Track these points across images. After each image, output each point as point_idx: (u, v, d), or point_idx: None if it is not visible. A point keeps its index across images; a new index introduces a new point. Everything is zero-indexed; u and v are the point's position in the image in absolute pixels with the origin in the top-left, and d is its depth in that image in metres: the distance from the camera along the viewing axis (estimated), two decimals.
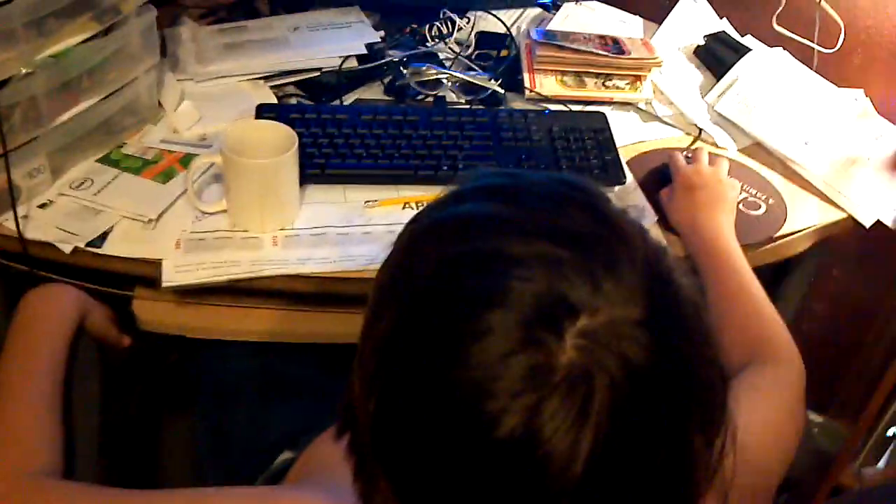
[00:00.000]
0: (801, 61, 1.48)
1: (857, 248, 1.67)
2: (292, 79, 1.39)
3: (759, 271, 1.09)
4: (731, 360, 0.95)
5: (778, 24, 1.48)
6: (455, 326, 0.54)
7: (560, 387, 0.51)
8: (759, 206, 1.26)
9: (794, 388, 0.94)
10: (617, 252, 0.55)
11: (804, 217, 1.26)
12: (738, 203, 1.21)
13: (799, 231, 1.24)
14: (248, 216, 1.11)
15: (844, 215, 1.28)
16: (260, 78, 1.38)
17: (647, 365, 0.52)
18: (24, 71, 1.03)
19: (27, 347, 0.91)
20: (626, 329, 0.52)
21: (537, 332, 0.52)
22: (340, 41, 1.45)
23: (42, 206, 1.12)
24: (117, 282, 1.10)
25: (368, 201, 1.19)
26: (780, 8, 1.46)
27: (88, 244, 1.08)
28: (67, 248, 1.07)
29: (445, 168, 1.22)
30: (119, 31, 1.14)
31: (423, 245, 0.60)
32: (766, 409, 0.88)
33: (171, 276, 1.05)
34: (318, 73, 1.40)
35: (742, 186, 1.25)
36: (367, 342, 0.61)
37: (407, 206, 1.19)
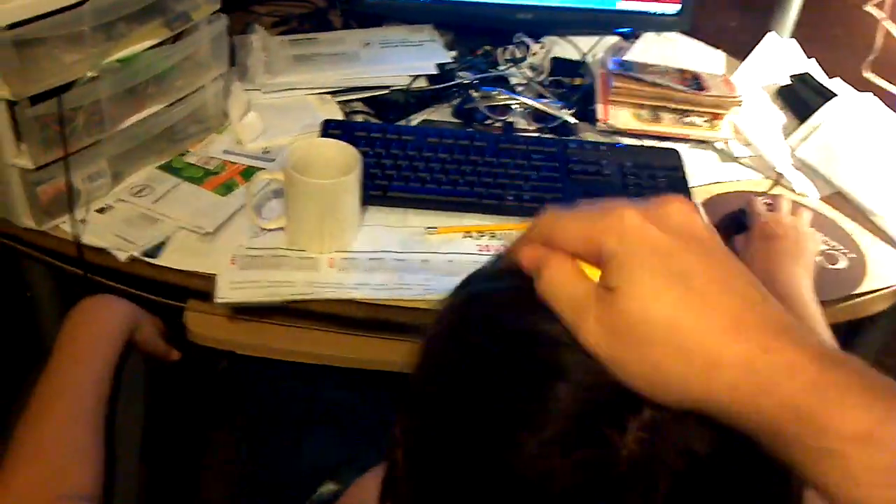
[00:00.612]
0: (890, 109, 1.41)
1: None
2: (360, 95, 1.37)
3: (835, 325, 1.04)
4: None
5: (869, 70, 1.42)
6: (508, 413, 0.50)
7: (620, 482, 0.47)
8: (839, 261, 1.19)
9: None
10: None
11: (886, 274, 1.19)
12: (817, 256, 1.15)
13: (879, 290, 1.17)
14: (307, 236, 1.09)
15: None
16: (328, 92, 1.36)
17: (711, 457, 0.48)
18: (89, 75, 1.02)
19: (74, 360, 0.90)
20: (690, 420, 0.48)
21: (598, 425, 0.48)
22: (411, 59, 1.42)
23: (100, 210, 1.11)
24: (171, 292, 1.08)
25: (429, 227, 1.15)
26: (874, 55, 1.40)
27: (144, 253, 1.06)
28: (123, 256, 1.05)
29: (511, 198, 1.18)
30: (189, 38, 1.13)
31: (477, 313, 0.55)
32: None
33: (225, 293, 1.03)
34: (387, 91, 1.37)
35: (822, 238, 1.19)
36: (412, 409, 0.57)
37: (468, 235, 1.15)
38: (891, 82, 1.43)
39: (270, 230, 1.11)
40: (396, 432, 0.58)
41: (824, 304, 1.09)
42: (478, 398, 0.51)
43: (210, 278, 1.05)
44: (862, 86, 1.45)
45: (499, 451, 0.49)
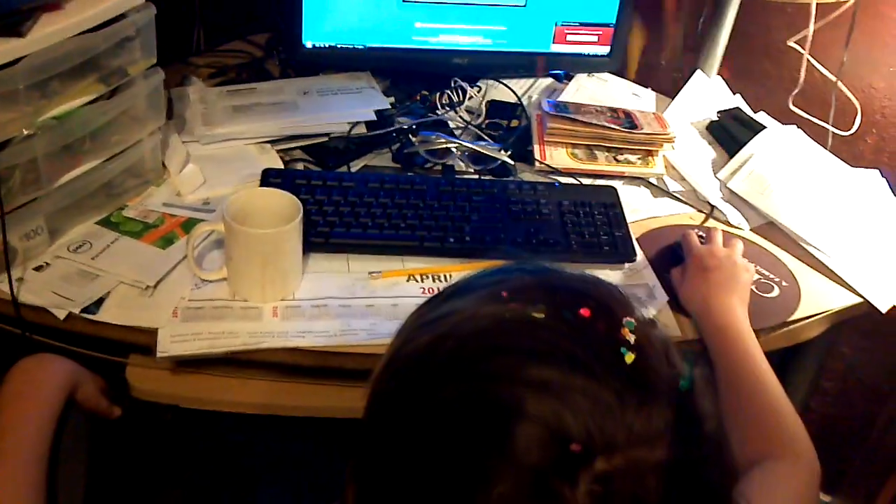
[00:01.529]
0: (815, 141, 1.46)
1: (867, 325, 1.64)
2: (300, 143, 1.38)
3: (770, 351, 1.06)
4: (745, 455, 0.91)
5: (794, 103, 1.46)
6: (457, 472, 0.50)
7: None
8: (773, 289, 1.23)
9: (810, 486, 0.90)
10: (648, 385, 0.52)
11: (819, 300, 1.23)
12: (752, 285, 1.18)
13: (813, 315, 1.21)
14: (249, 286, 1.09)
15: (860, 300, 1.25)
16: (267, 141, 1.36)
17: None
18: (25, 132, 1.01)
19: (13, 422, 0.88)
20: (645, 473, 0.49)
21: (549, 480, 0.48)
22: (350, 106, 1.43)
23: (38, 268, 1.10)
24: (112, 348, 1.07)
25: (373, 272, 1.16)
26: (797, 88, 1.45)
27: (83, 310, 1.05)
28: (62, 314, 1.04)
29: (452, 240, 1.20)
30: (125, 93, 1.13)
31: (429, 360, 0.55)
32: None
33: (167, 346, 1.02)
34: (326, 139, 1.38)
35: (756, 268, 1.22)
36: (363, 454, 0.57)
37: (412, 278, 1.16)
38: (814, 115, 1.48)
39: (212, 281, 1.10)
40: (348, 474, 0.58)
41: (760, 331, 1.12)
42: (433, 443, 0.52)
43: (151, 332, 1.04)
44: (787, 118, 1.49)
45: (453, 500, 0.49)
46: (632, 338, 0.53)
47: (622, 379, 0.51)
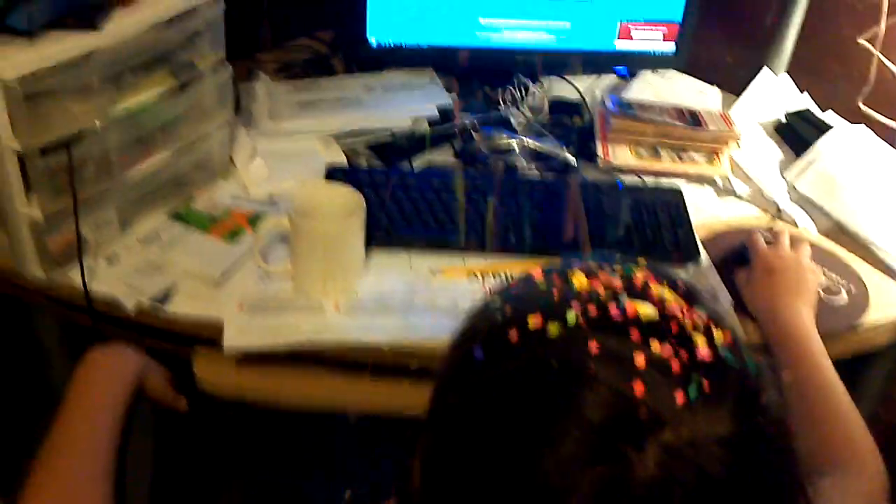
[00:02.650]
0: (885, 141, 1.43)
1: None
2: (363, 138, 1.38)
3: (839, 358, 1.04)
4: (812, 465, 0.89)
5: (864, 103, 1.43)
6: (529, 428, 0.52)
7: (635, 501, 0.49)
8: (841, 294, 1.20)
9: (877, 499, 0.88)
10: (717, 364, 0.53)
11: (888, 306, 1.20)
12: (819, 289, 1.15)
13: (882, 321, 1.18)
14: (311, 280, 1.10)
15: None
16: (332, 136, 1.37)
17: (725, 481, 0.50)
18: (98, 125, 1.03)
19: (84, 411, 0.90)
20: (709, 446, 0.50)
21: (618, 443, 0.49)
22: (413, 103, 1.44)
23: (109, 259, 1.12)
24: (180, 340, 1.09)
25: (434, 269, 1.16)
26: (868, 87, 1.41)
27: (152, 301, 1.07)
28: (130, 304, 1.06)
29: (513, 238, 1.20)
30: (194, 87, 1.15)
31: (501, 331, 0.57)
32: None
33: (233, 339, 1.04)
34: (389, 134, 1.39)
35: (823, 271, 1.20)
36: (432, 432, 0.58)
37: (473, 276, 1.16)
38: (885, 115, 1.44)
39: (277, 275, 1.12)
40: (414, 462, 0.59)
41: (827, 336, 1.09)
42: (503, 405, 0.53)
43: (218, 325, 1.05)
44: (856, 118, 1.46)
45: (520, 463, 0.51)
46: (701, 322, 0.55)
47: (692, 356, 0.53)
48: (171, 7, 1.08)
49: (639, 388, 0.51)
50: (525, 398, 0.53)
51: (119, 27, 1.02)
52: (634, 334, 0.54)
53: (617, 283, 0.59)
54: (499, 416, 0.54)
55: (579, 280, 0.59)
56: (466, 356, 0.59)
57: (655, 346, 0.53)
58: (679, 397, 0.51)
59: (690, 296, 0.59)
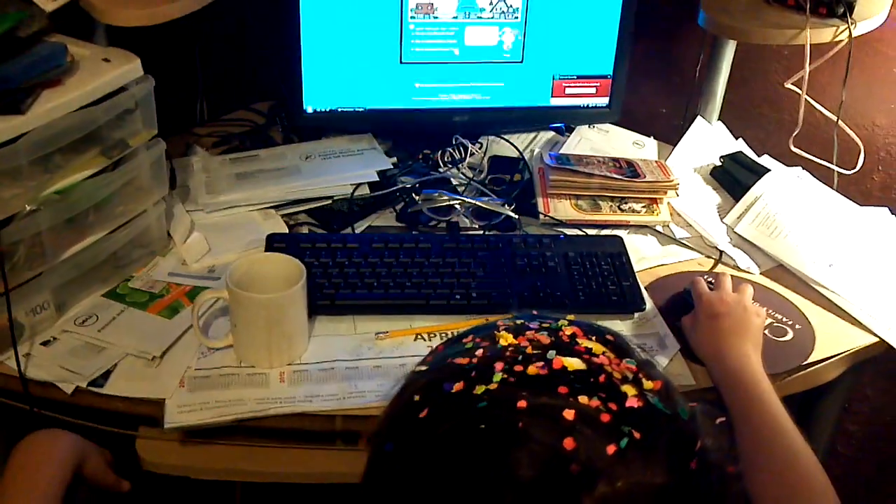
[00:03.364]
0: (820, 181, 1.45)
1: (890, 367, 1.61)
2: (304, 207, 1.38)
3: (789, 396, 1.04)
4: (765, 501, 0.89)
5: (795, 145, 1.46)
6: (462, 492, 0.51)
7: None
8: (786, 333, 1.21)
9: None
10: (648, 413, 0.53)
11: (834, 342, 1.21)
12: (765, 330, 1.16)
13: (829, 358, 1.19)
14: (255, 351, 1.08)
15: (876, 339, 1.23)
16: (271, 207, 1.37)
17: None
18: (28, 208, 1.02)
19: (19, 497, 0.87)
20: (647, 497, 0.50)
21: (551, 502, 0.49)
22: (352, 168, 1.44)
23: (45, 343, 1.10)
24: (121, 421, 1.06)
25: (379, 333, 1.15)
26: (798, 129, 1.45)
27: (90, 384, 1.05)
28: (69, 389, 1.04)
29: (459, 297, 1.19)
30: (127, 165, 1.14)
31: (439, 388, 0.57)
32: None
33: (174, 417, 1.01)
34: (329, 201, 1.39)
35: (767, 312, 1.21)
36: (368, 484, 0.57)
37: (419, 337, 1.15)
38: (816, 155, 1.47)
39: (219, 349, 1.10)
40: None
41: (776, 376, 1.10)
42: (435, 474, 0.52)
43: (159, 403, 1.03)
44: (790, 160, 1.49)
45: None
46: (630, 373, 0.56)
47: (621, 407, 0.53)
48: (98, 87, 1.08)
49: (569, 443, 0.50)
50: (457, 463, 0.52)
51: (45, 110, 1.02)
52: (562, 389, 0.53)
53: (544, 339, 0.58)
54: (432, 487, 0.53)
55: (505, 339, 0.58)
56: (397, 430, 0.58)
57: (584, 399, 0.53)
58: (610, 449, 0.50)
59: (619, 349, 0.59)
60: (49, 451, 0.92)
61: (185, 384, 1.05)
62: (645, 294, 1.24)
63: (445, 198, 1.37)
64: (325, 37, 1.42)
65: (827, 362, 1.19)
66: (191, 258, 1.24)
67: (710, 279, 1.24)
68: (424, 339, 1.15)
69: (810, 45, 1.37)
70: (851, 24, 1.36)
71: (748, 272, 1.33)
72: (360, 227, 1.37)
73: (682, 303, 1.22)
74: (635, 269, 1.27)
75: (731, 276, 1.24)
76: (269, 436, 1.06)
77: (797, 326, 1.22)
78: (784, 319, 1.23)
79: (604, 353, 0.57)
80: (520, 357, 0.56)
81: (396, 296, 1.19)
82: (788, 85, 1.45)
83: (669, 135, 1.61)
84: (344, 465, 1.06)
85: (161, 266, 1.24)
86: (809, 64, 1.39)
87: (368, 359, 1.11)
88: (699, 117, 1.59)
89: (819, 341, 1.20)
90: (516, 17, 1.45)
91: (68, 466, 0.92)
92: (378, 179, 1.42)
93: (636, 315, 1.22)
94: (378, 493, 0.57)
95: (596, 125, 1.61)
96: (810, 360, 1.18)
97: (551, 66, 1.51)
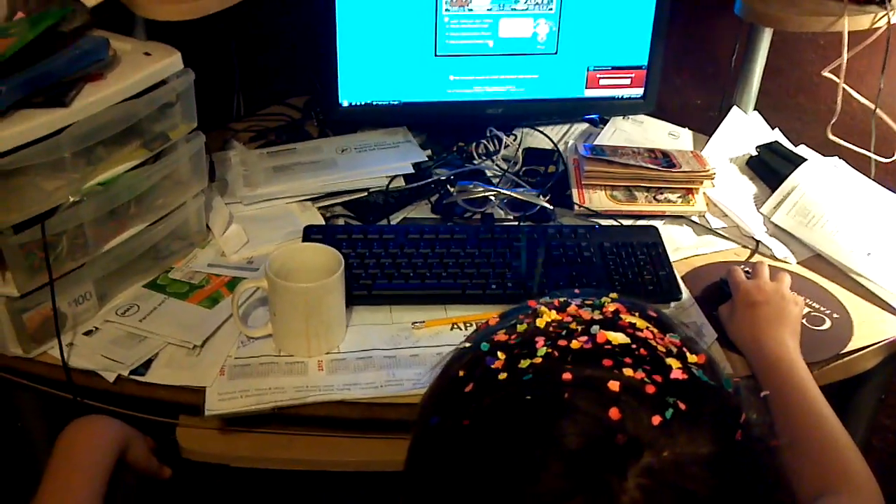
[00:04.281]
0: (857, 170, 1.44)
1: None
2: (340, 199, 1.39)
3: (827, 386, 1.04)
4: (804, 490, 0.88)
5: (833, 133, 1.45)
6: (510, 466, 0.51)
7: None
8: (824, 322, 1.20)
9: None
10: (685, 384, 0.53)
11: (872, 331, 1.20)
12: (802, 319, 1.15)
13: (867, 347, 1.18)
14: (294, 340, 1.09)
15: None
16: (308, 199, 1.38)
17: (710, 499, 0.50)
18: (72, 199, 1.04)
19: (64, 483, 0.89)
20: (692, 467, 0.50)
21: (598, 471, 0.49)
22: (388, 161, 1.45)
23: (87, 333, 1.12)
24: (162, 409, 1.08)
25: (416, 322, 1.16)
26: (835, 118, 1.43)
27: (132, 372, 1.06)
28: (111, 377, 1.06)
29: (494, 287, 1.19)
30: (168, 158, 1.15)
31: (482, 363, 0.57)
32: None
33: (214, 405, 1.03)
34: (365, 194, 1.40)
35: (805, 301, 1.20)
36: (413, 483, 0.57)
37: (455, 326, 1.16)
38: (854, 143, 1.46)
39: (258, 338, 1.11)
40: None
41: (814, 365, 1.09)
42: (482, 447, 0.53)
43: (199, 391, 1.04)
44: (828, 149, 1.48)
45: (502, 498, 0.50)
46: (674, 347, 0.56)
47: (666, 379, 0.53)
48: (140, 81, 1.09)
49: (615, 413, 0.51)
50: (502, 434, 0.53)
51: (88, 103, 1.03)
52: (607, 362, 0.54)
53: (587, 314, 0.59)
54: (478, 459, 0.53)
55: (548, 315, 0.59)
56: (442, 405, 0.58)
57: (629, 371, 0.53)
58: (656, 419, 0.51)
59: (662, 324, 0.59)
60: (94, 437, 0.94)
61: (225, 372, 1.07)
62: (681, 283, 1.23)
63: (481, 189, 1.37)
64: (361, 31, 1.43)
65: (864, 351, 1.18)
66: (229, 250, 1.26)
67: (747, 269, 1.24)
68: (461, 329, 1.16)
69: (848, 32, 1.36)
70: (890, 10, 1.35)
71: (785, 262, 1.32)
72: (395, 218, 1.38)
73: (718, 292, 1.21)
74: (672, 258, 1.27)
75: (769, 265, 1.23)
76: (308, 424, 1.07)
77: (835, 315, 1.21)
78: (822, 308, 1.22)
79: (647, 328, 0.57)
80: (563, 332, 0.57)
81: (433, 286, 1.19)
82: (826, 73, 1.44)
83: (704, 126, 1.60)
84: (383, 454, 1.07)
85: (200, 258, 1.25)
86: (847, 52, 1.38)
87: (405, 348, 1.12)
88: (735, 107, 1.58)
89: (857, 330, 1.20)
90: (551, 9, 1.45)
91: (113, 452, 0.93)
92: (413, 172, 1.43)
93: (672, 304, 1.21)
94: (423, 469, 0.57)
95: (630, 116, 1.61)
96: (848, 349, 1.17)
97: (586, 57, 1.51)
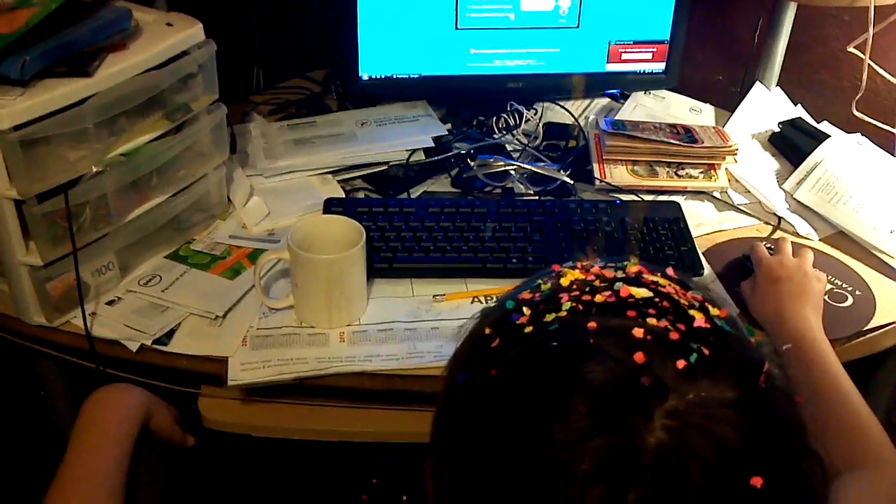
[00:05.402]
0: (881, 147, 1.43)
1: None
2: (360, 173, 1.39)
3: (848, 363, 1.04)
4: (829, 464, 0.88)
5: (857, 110, 1.44)
6: (536, 403, 0.52)
7: (647, 471, 0.48)
8: (846, 298, 1.19)
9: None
10: (708, 331, 0.54)
11: (895, 308, 1.19)
12: (824, 295, 1.15)
13: (890, 324, 1.17)
14: (315, 312, 1.09)
15: None
16: (328, 172, 1.38)
17: (741, 447, 0.50)
18: (94, 170, 1.04)
19: (90, 450, 0.89)
20: (717, 409, 0.51)
21: (624, 412, 0.50)
22: (408, 135, 1.45)
23: (110, 302, 1.12)
24: (184, 379, 1.08)
25: (437, 295, 1.16)
26: (860, 94, 1.42)
27: (155, 342, 1.07)
28: (134, 346, 1.06)
29: (514, 261, 1.19)
30: (189, 129, 1.15)
31: (508, 319, 0.58)
32: None
33: (237, 375, 1.03)
34: (385, 167, 1.39)
35: (827, 277, 1.19)
36: (441, 418, 0.59)
37: (476, 299, 1.16)
38: (879, 120, 1.45)
39: (280, 309, 1.11)
40: (426, 469, 0.59)
41: (836, 341, 1.09)
42: (505, 393, 0.54)
43: (222, 362, 1.05)
44: (851, 126, 1.47)
45: (530, 446, 0.51)
46: (696, 301, 0.57)
47: (689, 327, 0.54)
48: (162, 51, 1.09)
49: (639, 357, 0.51)
50: (529, 379, 0.54)
51: (111, 73, 1.03)
52: (631, 313, 0.55)
53: (610, 273, 0.59)
54: (505, 403, 0.54)
55: (572, 275, 0.60)
56: (468, 362, 0.59)
57: (652, 320, 0.54)
58: (680, 364, 0.51)
59: (684, 283, 0.60)
60: (119, 405, 0.95)
61: (247, 343, 1.07)
62: (703, 259, 1.23)
63: (501, 163, 1.37)
64: (381, 4, 1.42)
65: (887, 328, 1.17)
66: (250, 222, 1.26)
67: (769, 245, 1.23)
68: (481, 302, 1.16)
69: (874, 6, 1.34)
70: None
71: (807, 238, 1.31)
72: (415, 192, 1.37)
73: (740, 268, 1.21)
74: (693, 234, 1.27)
75: (791, 241, 1.22)
76: (329, 395, 1.08)
77: (857, 292, 1.21)
78: (844, 285, 1.22)
79: (670, 285, 0.58)
80: (587, 288, 0.58)
81: (454, 259, 1.19)
82: (851, 49, 1.43)
83: (725, 102, 1.59)
84: (404, 425, 1.08)
85: (221, 229, 1.25)
86: (873, 27, 1.36)
87: (426, 320, 1.12)
88: (758, 83, 1.57)
89: (879, 307, 1.19)
90: None
91: (137, 420, 0.94)
92: (433, 145, 1.42)
93: (694, 279, 1.21)
94: (451, 424, 0.58)
95: (652, 91, 1.60)
96: (870, 326, 1.16)
97: (607, 31, 1.49)
